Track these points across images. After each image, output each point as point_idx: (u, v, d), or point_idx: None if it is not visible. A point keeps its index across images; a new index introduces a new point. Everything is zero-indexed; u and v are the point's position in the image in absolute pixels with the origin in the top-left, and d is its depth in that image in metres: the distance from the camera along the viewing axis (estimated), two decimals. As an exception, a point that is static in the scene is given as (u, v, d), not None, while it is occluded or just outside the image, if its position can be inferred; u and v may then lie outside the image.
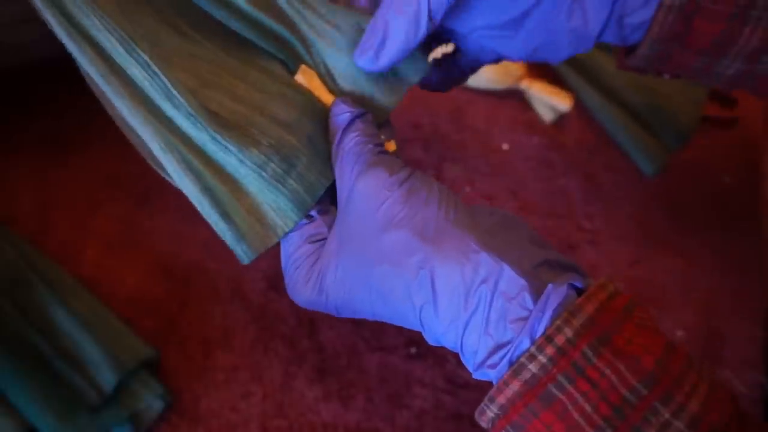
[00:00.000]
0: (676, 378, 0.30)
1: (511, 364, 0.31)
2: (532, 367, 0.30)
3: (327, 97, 0.39)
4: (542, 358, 0.30)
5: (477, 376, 0.33)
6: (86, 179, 0.57)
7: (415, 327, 0.35)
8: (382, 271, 0.34)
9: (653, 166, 0.63)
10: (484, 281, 0.32)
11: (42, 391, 0.44)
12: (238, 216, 0.36)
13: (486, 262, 0.32)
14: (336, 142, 0.37)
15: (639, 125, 0.65)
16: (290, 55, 0.40)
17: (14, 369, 0.45)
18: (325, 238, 0.36)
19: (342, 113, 0.37)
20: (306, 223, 0.37)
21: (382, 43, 0.37)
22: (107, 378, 0.45)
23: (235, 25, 0.39)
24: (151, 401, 0.46)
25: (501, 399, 0.31)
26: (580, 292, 0.32)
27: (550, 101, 0.65)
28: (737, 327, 0.56)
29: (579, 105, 0.67)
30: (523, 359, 0.30)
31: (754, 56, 0.38)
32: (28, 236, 0.53)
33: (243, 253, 0.36)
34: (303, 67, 0.39)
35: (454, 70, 0.44)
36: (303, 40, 0.39)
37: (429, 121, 0.64)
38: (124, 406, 0.46)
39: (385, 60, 0.37)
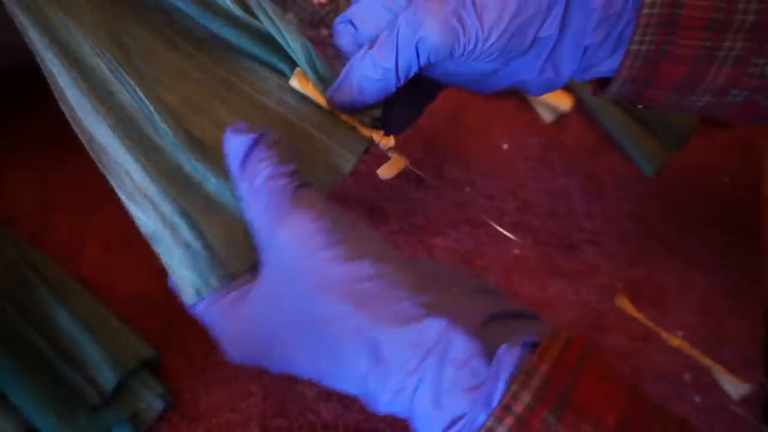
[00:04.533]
0: (642, 430, 0.28)
1: None
2: None
3: (322, 100, 0.39)
4: (502, 431, 0.28)
5: None
6: (86, 179, 0.56)
7: (359, 394, 0.32)
8: (319, 334, 0.31)
9: (653, 167, 0.63)
10: (430, 349, 0.30)
11: (42, 391, 0.44)
12: (214, 238, 0.34)
13: (431, 326, 0.30)
14: (236, 178, 0.33)
15: (639, 125, 0.65)
16: (285, 58, 0.40)
17: (14, 369, 0.45)
18: (238, 295, 0.33)
19: (236, 146, 0.33)
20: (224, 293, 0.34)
21: (355, 96, 0.37)
22: (107, 378, 0.45)
23: (228, 33, 0.39)
24: (151, 401, 0.46)
25: None
26: (533, 344, 0.30)
27: (550, 101, 0.65)
28: (737, 327, 0.56)
29: (579, 105, 0.67)
30: None
31: (722, 90, 0.38)
32: (28, 236, 0.52)
33: (216, 280, 0.34)
34: (298, 69, 0.39)
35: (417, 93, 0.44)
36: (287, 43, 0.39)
37: (429, 121, 0.64)
38: (124, 406, 0.46)
39: (360, 106, 0.38)
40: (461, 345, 0.29)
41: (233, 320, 0.33)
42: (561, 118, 0.66)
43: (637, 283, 0.58)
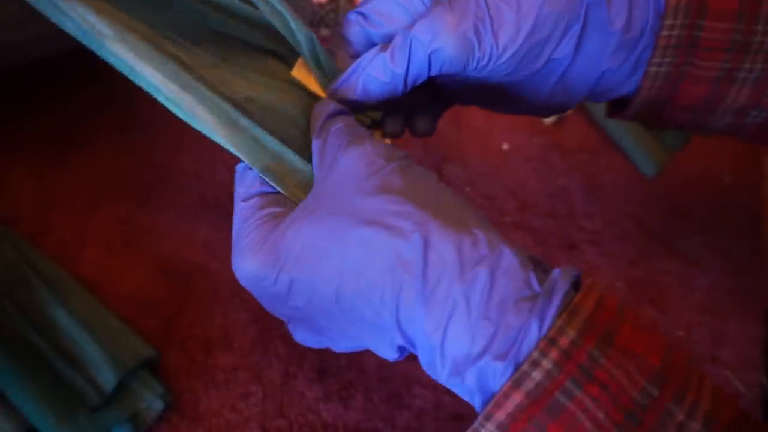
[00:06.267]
0: (684, 375, 0.28)
1: (516, 360, 0.28)
2: (536, 375, 0.27)
3: (322, 94, 0.39)
4: (547, 364, 0.27)
5: (468, 375, 0.29)
6: (86, 178, 0.57)
7: (380, 316, 0.31)
8: (363, 234, 0.30)
9: (653, 167, 0.63)
10: (485, 256, 0.29)
11: (42, 391, 0.44)
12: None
13: (488, 238, 0.30)
14: (318, 127, 0.35)
15: (639, 126, 0.65)
16: (287, 48, 0.40)
17: (14, 369, 0.45)
18: (284, 211, 0.34)
19: (326, 105, 0.36)
20: (269, 191, 0.35)
21: (359, 95, 0.37)
22: (107, 378, 0.45)
23: (229, 27, 0.39)
24: (151, 401, 0.46)
25: (500, 415, 0.28)
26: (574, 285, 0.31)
27: (550, 101, 0.65)
28: (737, 327, 0.56)
29: (579, 105, 0.67)
30: (525, 367, 0.28)
31: (743, 111, 0.38)
32: (28, 236, 0.52)
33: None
34: (300, 60, 0.39)
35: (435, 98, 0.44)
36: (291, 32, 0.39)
37: (429, 121, 0.64)
38: (124, 406, 0.46)
39: (362, 106, 0.38)
40: (516, 257, 0.30)
41: (259, 232, 0.33)
42: (561, 119, 0.66)
43: (637, 283, 0.57)
